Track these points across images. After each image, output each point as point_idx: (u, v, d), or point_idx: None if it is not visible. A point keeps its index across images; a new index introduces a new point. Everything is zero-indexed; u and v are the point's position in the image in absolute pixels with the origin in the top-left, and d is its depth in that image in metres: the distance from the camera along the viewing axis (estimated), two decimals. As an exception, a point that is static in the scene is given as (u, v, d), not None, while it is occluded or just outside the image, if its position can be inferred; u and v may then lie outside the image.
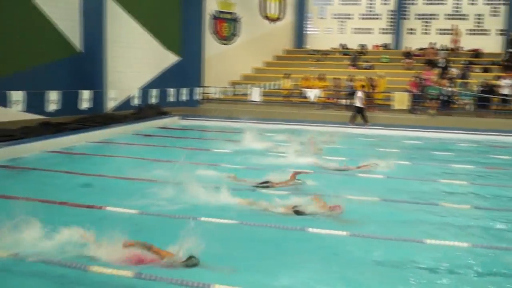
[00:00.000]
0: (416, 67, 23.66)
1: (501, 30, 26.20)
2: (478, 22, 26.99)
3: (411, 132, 16.94)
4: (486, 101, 20.46)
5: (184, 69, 20.56)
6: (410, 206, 7.81)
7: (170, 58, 20.53)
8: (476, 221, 7.26)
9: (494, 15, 26.67)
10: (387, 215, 7.34)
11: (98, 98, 16.52)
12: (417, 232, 6.56)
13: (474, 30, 26.99)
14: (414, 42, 27.09)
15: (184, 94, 19.71)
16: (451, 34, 26.35)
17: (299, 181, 8.87)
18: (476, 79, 21.65)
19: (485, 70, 23.48)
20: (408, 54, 25.49)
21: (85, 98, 15.64)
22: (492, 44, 26.01)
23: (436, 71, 22.67)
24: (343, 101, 21.65)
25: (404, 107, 20.16)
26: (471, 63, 24.26)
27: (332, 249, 5.91)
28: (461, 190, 9.18)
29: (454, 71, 22.54)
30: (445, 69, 22.95)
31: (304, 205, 7.22)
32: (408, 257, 5.69)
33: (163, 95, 18.79)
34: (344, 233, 6.29)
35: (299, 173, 9.03)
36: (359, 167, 10.43)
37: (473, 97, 20.39)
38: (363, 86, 20.10)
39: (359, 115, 18.55)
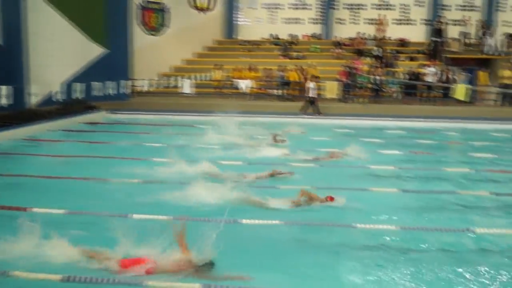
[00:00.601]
0: (346, 57, 23.99)
1: (426, 20, 27.05)
2: (404, 12, 27.73)
3: (366, 120, 17.39)
4: (413, 89, 21.10)
5: (110, 61, 19.68)
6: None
7: (95, 50, 19.59)
8: (402, 203, 7.51)
9: (419, 5, 27.49)
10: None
11: (19, 94, 15.52)
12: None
13: (400, 20, 27.72)
14: (343, 31, 27.46)
15: (111, 88, 18.96)
16: (377, 24, 26.98)
17: (283, 174, 8.86)
18: (403, 67, 22.26)
19: (411, 59, 24.19)
20: (337, 44, 25.83)
21: (4, 94, 14.70)
22: (417, 34, 26.85)
23: (366, 60, 23.12)
24: (275, 92, 21.62)
25: (335, 96, 20.39)
26: (397, 52, 24.90)
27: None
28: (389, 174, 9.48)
29: (383, 60, 23.10)
30: (379, 58, 23.42)
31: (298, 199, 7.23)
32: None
33: (88, 89, 17.96)
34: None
35: (281, 173, 8.89)
36: (331, 157, 10.62)
37: (400, 85, 20.95)
38: (316, 77, 20.11)
39: (311, 106, 18.65)
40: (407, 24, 27.64)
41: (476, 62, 24.62)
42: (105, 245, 5.04)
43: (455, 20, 26.28)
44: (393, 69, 22.21)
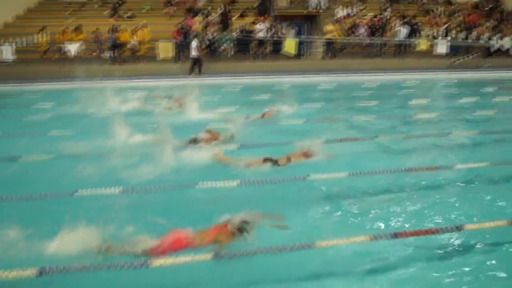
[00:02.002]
0: (178, 15, 23.53)
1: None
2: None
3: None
4: (245, 45, 21.52)
5: None
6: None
7: None
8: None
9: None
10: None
11: None
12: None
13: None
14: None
15: None
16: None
17: (229, 136, 8.69)
18: (235, 25, 22.50)
19: (242, 16, 24.49)
20: (168, 3, 25.18)
21: None
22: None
23: (199, 18, 22.91)
24: (107, 55, 20.54)
25: (169, 57, 20.00)
26: (229, 10, 24.99)
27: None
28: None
29: (214, 17, 23.06)
30: (208, 15, 23.31)
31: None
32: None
33: None
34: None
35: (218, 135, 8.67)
36: (263, 115, 10.85)
37: (233, 42, 21.20)
38: (196, 36, 19.77)
39: (197, 66, 18.61)
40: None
41: (302, 18, 25.86)
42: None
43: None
44: (225, 26, 22.31)
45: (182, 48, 20.35)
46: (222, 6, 23.56)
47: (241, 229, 4.93)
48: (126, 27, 21.32)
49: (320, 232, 5.41)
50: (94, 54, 20.64)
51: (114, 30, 20.66)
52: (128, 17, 23.80)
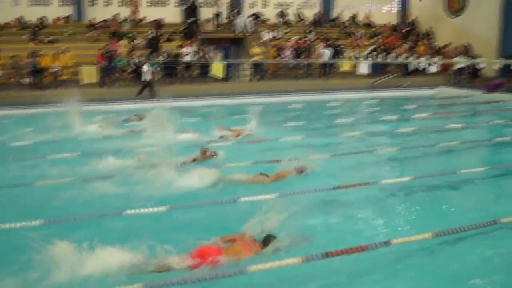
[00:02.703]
0: (103, 39, 23.02)
1: (179, 1, 27.32)
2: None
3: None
4: (173, 69, 21.37)
5: None
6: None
7: None
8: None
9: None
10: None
11: None
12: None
13: (154, 1, 27.59)
14: (97, 13, 26.19)
15: None
16: (130, 5, 26.44)
17: (214, 155, 9.22)
18: (161, 49, 22.30)
19: (168, 40, 24.34)
20: (92, 26, 24.60)
21: None
22: (172, 15, 27.03)
23: (124, 42, 22.53)
24: (27, 80, 19.68)
25: (94, 81, 19.46)
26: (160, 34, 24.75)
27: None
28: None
29: (140, 41, 22.76)
30: (134, 39, 22.96)
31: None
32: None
33: None
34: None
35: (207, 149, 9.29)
36: (238, 135, 11.47)
37: (161, 66, 20.98)
38: (147, 59, 20.00)
39: (148, 89, 18.60)
40: (161, 5, 27.67)
41: (229, 41, 26.07)
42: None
43: (208, 2, 27.30)
44: (154, 51, 22.04)
45: (107, 72, 19.87)
46: (153, 30, 23.33)
47: (267, 242, 5.32)
48: (47, 51, 20.55)
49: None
50: (12, 80, 19.70)
51: (34, 54, 19.84)
52: (49, 41, 22.98)
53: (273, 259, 5.05)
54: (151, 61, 20.57)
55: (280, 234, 5.40)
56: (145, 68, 18.90)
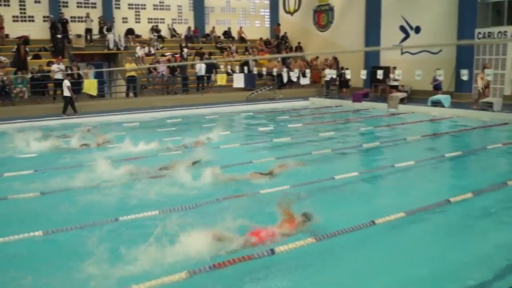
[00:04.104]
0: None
1: (46, 17, 26.17)
2: (23, 9, 26.28)
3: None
4: (43, 87, 20.53)
5: None
6: None
7: None
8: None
9: (37, 2, 26.39)
10: None
11: None
12: None
13: (19, 17, 26.17)
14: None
15: None
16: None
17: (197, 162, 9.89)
18: (29, 66, 21.29)
19: (37, 57, 23.26)
20: None
21: None
22: (39, 31, 25.82)
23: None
24: None
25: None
26: (18, 49, 23.37)
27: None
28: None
29: (4, 59, 21.50)
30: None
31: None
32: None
33: None
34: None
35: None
36: (197, 143, 12.25)
37: (28, 84, 20.03)
38: (68, 75, 20.10)
39: (69, 105, 18.64)
40: (28, 21, 26.29)
41: (102, 57, 25.61)
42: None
43: (78, 17, 26.53)
44: (20, 68, 20.91)
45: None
46: (16, 46, 21.98)
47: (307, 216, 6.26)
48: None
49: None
50: None
51: None
52: None
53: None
54: (19, 76, 19.59)
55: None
56: (67, 83, 18.86)
